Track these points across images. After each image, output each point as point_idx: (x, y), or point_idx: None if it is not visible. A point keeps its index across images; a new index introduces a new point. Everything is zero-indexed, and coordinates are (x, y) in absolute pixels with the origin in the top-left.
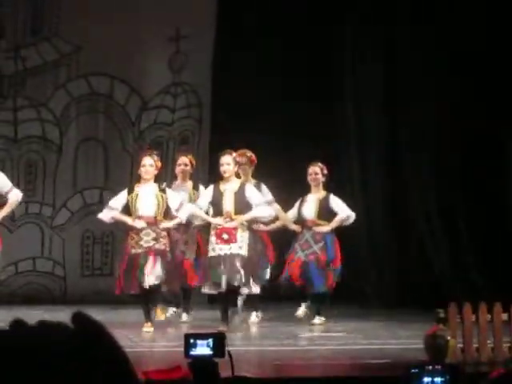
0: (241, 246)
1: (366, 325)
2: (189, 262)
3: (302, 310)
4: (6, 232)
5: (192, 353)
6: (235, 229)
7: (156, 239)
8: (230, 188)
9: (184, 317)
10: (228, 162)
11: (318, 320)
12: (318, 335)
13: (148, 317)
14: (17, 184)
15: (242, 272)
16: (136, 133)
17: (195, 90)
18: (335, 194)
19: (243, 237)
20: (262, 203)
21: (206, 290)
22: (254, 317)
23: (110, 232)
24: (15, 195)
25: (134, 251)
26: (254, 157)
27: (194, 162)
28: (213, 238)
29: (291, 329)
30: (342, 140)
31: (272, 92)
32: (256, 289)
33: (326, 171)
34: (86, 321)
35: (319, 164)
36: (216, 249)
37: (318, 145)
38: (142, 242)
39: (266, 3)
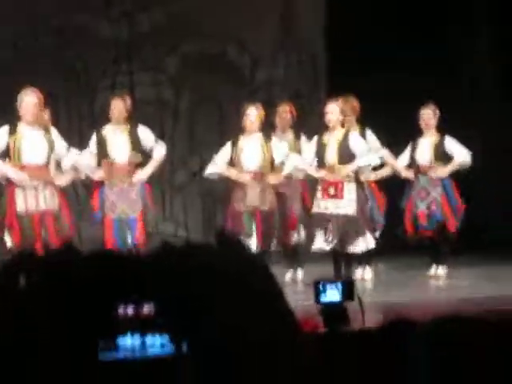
0: (348, 203)
1: (491, 272)
2: (295, 218)
3: (434, 270)
4: None
5: (322, 299)
6: (341, 182)
7: (262, 195)
8: (333, 138)
9: (300, 274)
10: (332, 111)
11: (441, 270)
12: (441, 284)
13: None
14: None
15: (353, 234)
16: (249, 91)
17: (309, 46)
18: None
19: (350, 190)
20: (366, 151)
21: (315, 247)
22: (370, 272)
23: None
24: (159, 150)
25: (237, 208)
26: (356, 103)
27: (294, 112)
28: (318, 194)
29: (414, 278)
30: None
31: (386, 44)
32: (371, 243)
33: (438, 113)
34: (232, 240)
35: (432, 106)
36: (321, 205)
37: (431, 90)
38: (246, 200)
39: None
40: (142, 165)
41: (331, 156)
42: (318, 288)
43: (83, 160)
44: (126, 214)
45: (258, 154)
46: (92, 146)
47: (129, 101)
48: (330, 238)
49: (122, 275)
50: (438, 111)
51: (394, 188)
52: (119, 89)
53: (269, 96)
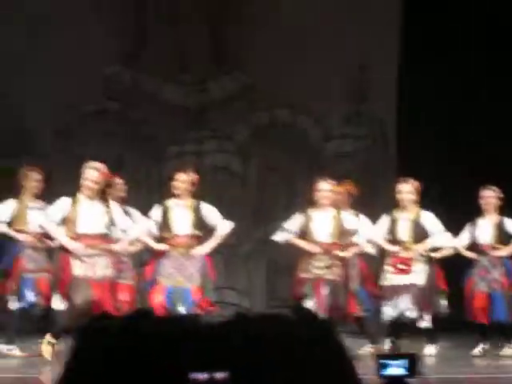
0: (417, 275)
1: None
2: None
3: (478, 350)
4: None
5: (385, 372)
6: (412, 259)
7: (329, 268)
8: (406, 217)
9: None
10: (405, 190)
11: (509, 350)
12: (495, 363)
13: None
14: None
15: (417, 304)
16: (319, 163)
17: (379, 119)
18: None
19: (420, 268)
20: (440, 231)
21: (385, 317)
22: (432, 349)
23: (296, 262)
24: (223, 228)
25: (302, 275)
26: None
27: (352, 190)
28: (388, 267)
29: (470, 357)
30: None
31: (456, 119)
32: (428, 322)
33: (501, 195)
34: (306, 311)
35: (494, 188)
36: (390, 278)
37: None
38: (312, 267)
39: (449, 30)
40: (203, 238)
41: (404, 233)
42: (380, 362)
43: (146, 234)
44: (182, 285)
45: (328, 227)
46: (155, 217)
47: (194, 175)
48: (397, 309)
49: (196, 341)
50: (500, 193)
51: (453, 267)
52: (188, 156)
53: (338, 169)
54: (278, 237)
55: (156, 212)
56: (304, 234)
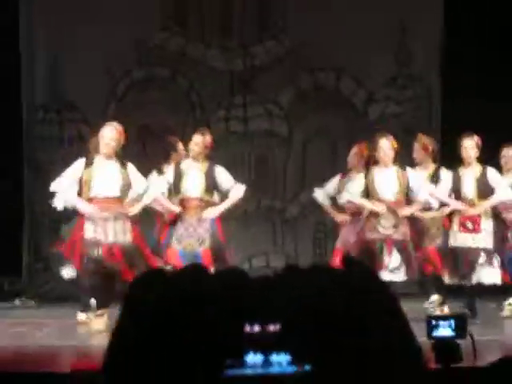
0: (485, 237)
1: None
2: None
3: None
4: (240, 227)
5: (434, 334)
6: (479, 216)
7: (395, 226)
8: (470, 173)
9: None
10: (469, 146)
11: None
12: None
13: None
14: (248, 178)
15: (486, 266)
16: (363, 126)
17: (423, 81)
18: None
19: (487, 225)
20: (505, 186)
21: (446, 279)
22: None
23: None
24: (237, 190)
25: (369, 235)
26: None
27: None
28: (455, 226)
29: None
30: None
31: (502, 81)
32: (498, 280)
33: None
34: (357, 263)
35: None
36: (458, 238)
37: None
38: (379, 227)
39: None
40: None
41: (469, 190)
42: (430, 323)
43: (160, 196)
44: (192, 249)
45: (393, 185)
46: (169, 178)
47: (209, 137)
48: (464, 272)
49: (248, 293)
50: None
51: None
52: (233, 121)
53: (382, 130)
54: (344, 198)
55: (169, 173)
56: (368, 193)
